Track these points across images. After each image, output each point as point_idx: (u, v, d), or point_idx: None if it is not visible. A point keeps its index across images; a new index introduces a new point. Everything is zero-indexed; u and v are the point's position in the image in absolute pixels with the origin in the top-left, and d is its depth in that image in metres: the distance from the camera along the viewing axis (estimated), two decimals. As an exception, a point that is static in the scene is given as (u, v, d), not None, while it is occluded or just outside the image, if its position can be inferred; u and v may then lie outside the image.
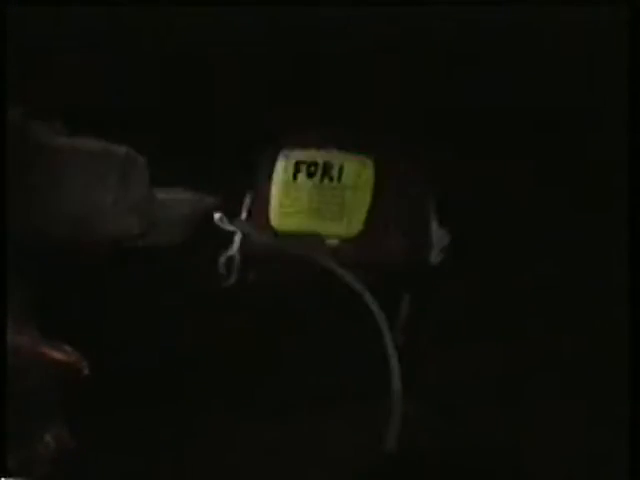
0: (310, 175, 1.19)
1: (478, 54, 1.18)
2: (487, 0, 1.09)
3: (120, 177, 1.18)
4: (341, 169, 1.19)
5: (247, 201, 1.23)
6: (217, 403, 1.16)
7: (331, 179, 1.18)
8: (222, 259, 1.21)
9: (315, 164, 1.19)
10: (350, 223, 1.18)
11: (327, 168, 1.19)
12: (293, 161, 1.20)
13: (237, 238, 1.22)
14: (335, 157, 1.19)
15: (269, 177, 1.21)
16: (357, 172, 1.19)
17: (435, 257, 1.21)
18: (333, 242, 1.19)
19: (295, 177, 1.20)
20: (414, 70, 1.27)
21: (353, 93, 1.30)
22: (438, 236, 1.20)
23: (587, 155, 1.19)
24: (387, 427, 1.08)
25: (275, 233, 1.20)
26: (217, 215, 1.21)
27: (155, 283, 1.22)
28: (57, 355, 1.04)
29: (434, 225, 1.21)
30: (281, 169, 1.21)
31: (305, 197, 1.19)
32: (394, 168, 1.19)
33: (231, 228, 1.21)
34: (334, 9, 1.23)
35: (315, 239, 1.18)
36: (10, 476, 1.00)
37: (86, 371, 1.07)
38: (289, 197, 1.19)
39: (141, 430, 1.14)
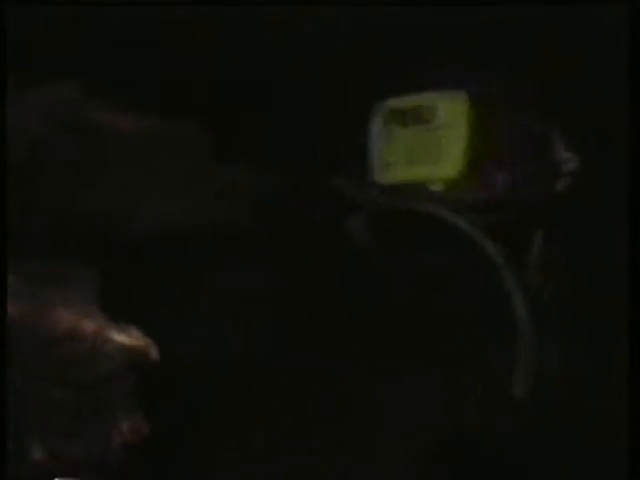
0: (404, 122, 1.14)
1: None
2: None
3: (183, 153, 1.14)
4: (434, 110, 1.12)
5: (346, 160, 1.18)
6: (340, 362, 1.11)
7: (425, 121, 1.12)
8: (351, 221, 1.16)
9: (407, 110, 1.14)
10: (449, 164, 1.12)
11: (419, 111, 1.13)
12: (386, 112, 1.15)
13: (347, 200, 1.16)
14: (426, 99, 1.13)
15: (364, 132, 1.16)
16: (450, 109, 1.12)
17: (561, 184, 1.13)
18: (438, 187, 1.13)
19: (389, 127, 1.15)
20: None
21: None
22: (564, 160, 1.13)
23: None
24: (515, 373, 1.02)
25: (380, 187, 1.15)
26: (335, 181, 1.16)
27: (224, 262, 1.18)
28: (124, 339, 1.01)
29: (559, 149, 1.13)
30: (376, 122, 1.15)
31: (402, 146, 1.13)
32: (500, 100, 1.13)
33: (347, 191, 1.16)
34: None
35: (419, 187, 1.12)
36: (81, 468, 0.98)
37: (156, 356, 1.03)
38: (387, 149, 1.14)
39: (216, 417, 1.10)
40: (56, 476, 0.96)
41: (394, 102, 1.14)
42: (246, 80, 1.20)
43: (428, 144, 1.12)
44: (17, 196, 1.06)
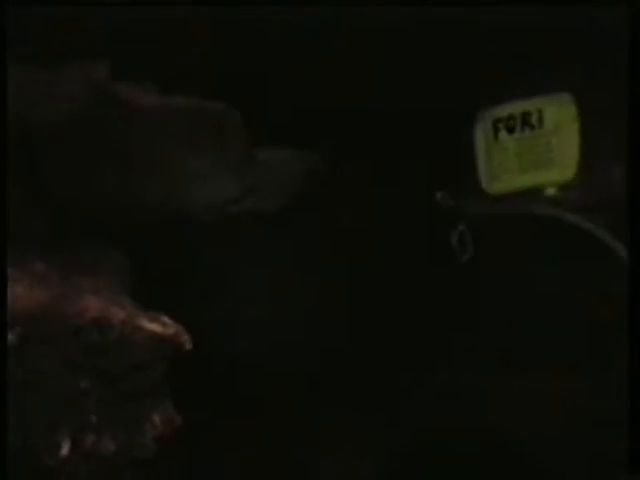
0: (510, 130, 1.11)
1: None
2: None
3: (215, 136, 1.10)
4: (540, 114, 1.09)
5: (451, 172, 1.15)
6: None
7: (532, 127, 1.10)
8: (454, 234, 1.13)
9: (513, 117, 1.11)
10: (563, 168, 1.09)
11: (526, 117, 1.10)
12: (490, 121, 1.12)
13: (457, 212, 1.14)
14: (532, 104, 1.11)
15: (469, 143, 1.14)
16: (558, 113, 1.09)
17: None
18: (551, 192, 1.10)
19: (496, 136, 1.12)
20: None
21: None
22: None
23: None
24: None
25: (491, 197, 1.13)
26: (439, 194, 1.14)
27: (259, 250, 1.14)
28: (155, 328, 0.97)
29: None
30: (480, 132, 1.13)
31: (511, 154, 1.11)
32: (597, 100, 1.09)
33: (450, 204, 1.13)
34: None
35: (532, 193, 1.10)
36: (112, 463, 0.94)
37: (189, 345, 0.99)
38: (495, 158, 1.12)
39: (250, 411, 1.06)
40: (86, 472, 0.92)
41: (498, 110, 1.13)
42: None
43: (539, 150, 1.10)
44: (46, 182, 1.03)
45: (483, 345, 1.10)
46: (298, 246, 1.13)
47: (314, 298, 1.12)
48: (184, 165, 1.08)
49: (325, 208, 1.15)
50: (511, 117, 1.11)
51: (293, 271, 1.13)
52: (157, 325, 0.96)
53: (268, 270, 1.12)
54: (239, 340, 1.07)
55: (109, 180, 1.04)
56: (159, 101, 1.08)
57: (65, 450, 0.92)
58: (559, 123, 1.09)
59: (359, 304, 1.13)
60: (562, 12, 1.05)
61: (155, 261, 1.05)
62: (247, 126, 1.11)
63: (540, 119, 1.10)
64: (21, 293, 0.90)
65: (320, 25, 1.12)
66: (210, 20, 1.13)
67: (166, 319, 0.97)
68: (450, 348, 1.11)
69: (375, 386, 1.10)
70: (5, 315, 0.89)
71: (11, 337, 0.89)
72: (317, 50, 1.15)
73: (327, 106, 1.18)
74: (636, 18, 0.97)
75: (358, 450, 1.07)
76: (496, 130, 1.12)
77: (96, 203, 1.03)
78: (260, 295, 1.10)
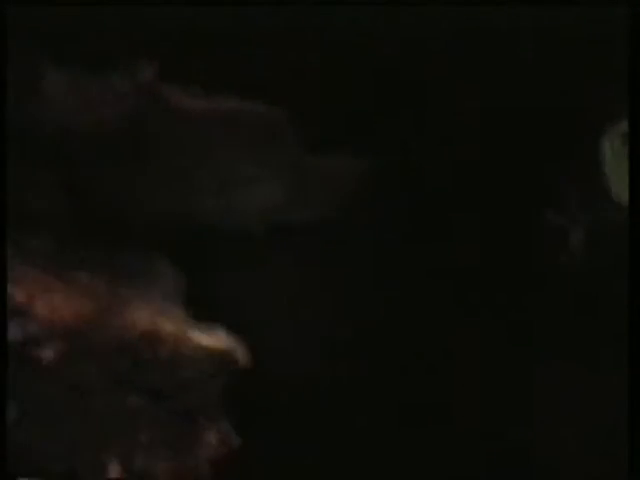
0: None
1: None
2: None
3: (270, 139, 1.04)
4: None
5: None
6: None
7: None
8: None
9: None
10: None
11: None
12: (619, 135, 1.08)
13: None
14: None
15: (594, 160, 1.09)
16: None
17: None
18: None
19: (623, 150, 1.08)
20: None
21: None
22: None
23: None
24: None
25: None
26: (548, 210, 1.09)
27: (316, 260, 1.07)
28: (208, 342, 0.90)
29: None
30: (608, 148, 1.09)
31: None
32: None
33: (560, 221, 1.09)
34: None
35: None
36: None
37: (244, 361, 0.93)
38: (624, 169, 1.06)
39: (311, 431, 0.99)
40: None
41: (622, 126, 1.08)
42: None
43: None
44: (91, 190, 0.97)
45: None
46: (357, 257, 1.06)
47: (382, 312, 1.05)
48: (234, 170, 1.01)
49: (380, 218, 1.08)
50: None
51: (356, 282, 1.06)
52: (210, 339, 0.90)
53: (328, 281, 1.05)
54: (299, 353, 1.00)
55: (157, 187, 0.98)
56: (206, 105, 1.02)
57: (113, 472, 0.86)
58: None
59: (434, 319, 1.06)
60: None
61: (208, 269, 0.98)
62: (297, 129, 1.04)
63: None
64: (60, 304, 0.84)
65: (372, 26, 1.07)
66: (259, 21, 1.08)
67: (221, 332, 0.91)
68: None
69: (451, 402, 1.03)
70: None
71: (48, 352, 0.83)
72: (374, 51, 1.09)
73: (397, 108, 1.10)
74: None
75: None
76: (623, 143, 1.08)
77: (143, 210, 0.97)
78: (320, 306, 1.03)
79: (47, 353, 0.83)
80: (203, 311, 0.93)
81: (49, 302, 0.84)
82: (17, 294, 0.85)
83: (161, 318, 0.88)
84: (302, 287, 1.04)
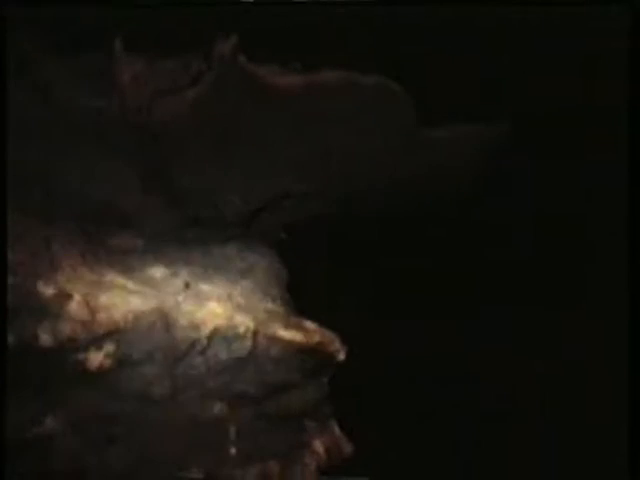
0: None
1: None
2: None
3: (371, 112, 0.93)
4: None
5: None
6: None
7: None
8: None
9: None
10: None
11: None
12: None
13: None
14: None
15: None
16: None
17: None
18: None
19: None
20: None
21: None
22: None
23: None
24: None
25: None
26: None
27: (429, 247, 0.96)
28: (295, 336, 0.79)
29: None
30: None
31: None
32: None
33: None
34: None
35: None
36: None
37: (342, 356, 0.82)
38: None
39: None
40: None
41: None
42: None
43: None
44: (174, 178, 0.89)
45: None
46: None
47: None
48: (337, 148, 0.91)
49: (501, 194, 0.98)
50: None
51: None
52: (297, 333, 0.79)
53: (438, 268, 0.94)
54: (403, 347, 0.89)
55: (238, 172, 0.89)
56: (302, 79, 0.92)
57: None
58: None
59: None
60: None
61: (298, 256, 0.88)
62: (410, 101, 0.93)
63: None
64: (118, 302, 0.75)
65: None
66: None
67: (310, 324, 0.80)
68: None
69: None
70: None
71: (95, 355, 0.73)
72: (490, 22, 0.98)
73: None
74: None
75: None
76: None
77: (225, 198, 0.88)
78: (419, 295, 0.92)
79: (93, 357, 0.74)
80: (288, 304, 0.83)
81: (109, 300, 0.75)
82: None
83: (238, 313, 0.78)
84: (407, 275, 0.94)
